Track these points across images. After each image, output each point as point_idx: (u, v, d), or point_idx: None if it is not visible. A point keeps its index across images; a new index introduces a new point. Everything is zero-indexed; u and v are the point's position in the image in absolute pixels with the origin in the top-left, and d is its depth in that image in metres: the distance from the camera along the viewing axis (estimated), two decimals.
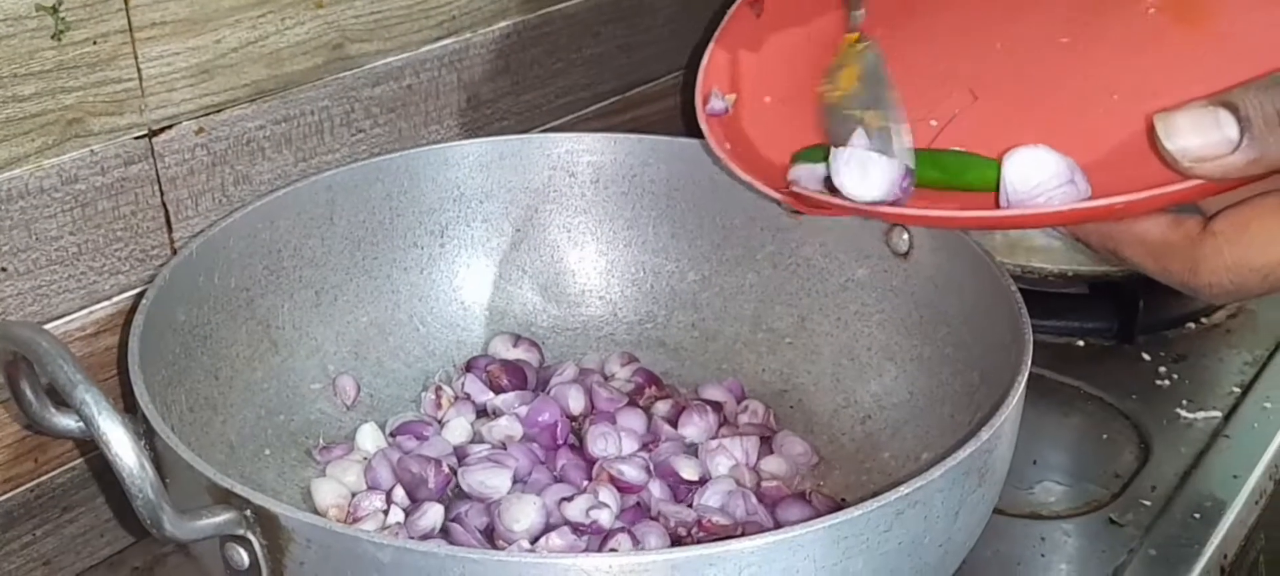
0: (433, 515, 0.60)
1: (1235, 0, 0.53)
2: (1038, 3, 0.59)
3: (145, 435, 0.50)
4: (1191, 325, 0.87)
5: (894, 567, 0.46)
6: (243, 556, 0.45)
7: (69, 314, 0.64)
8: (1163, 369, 0.82)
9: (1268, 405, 0.78)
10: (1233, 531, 0.68)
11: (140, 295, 0.66)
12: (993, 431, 0.48)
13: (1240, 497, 0.70)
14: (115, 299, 0.66)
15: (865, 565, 0.45)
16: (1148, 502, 0.70)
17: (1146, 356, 0.83)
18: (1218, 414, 0.77)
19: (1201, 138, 0.43)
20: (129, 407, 0.56)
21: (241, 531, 0.45)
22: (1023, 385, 0.52)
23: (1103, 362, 0.83)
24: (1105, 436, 0.76)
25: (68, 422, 0.48)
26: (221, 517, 0.44)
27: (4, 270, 0.61)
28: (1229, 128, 0.43)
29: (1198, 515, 0.68)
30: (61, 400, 0.45)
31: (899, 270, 0.69)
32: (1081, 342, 0.85)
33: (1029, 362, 0.53)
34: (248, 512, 0.45)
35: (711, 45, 0.66)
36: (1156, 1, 0.55)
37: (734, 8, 0.67)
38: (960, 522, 0.49)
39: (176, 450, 0.47)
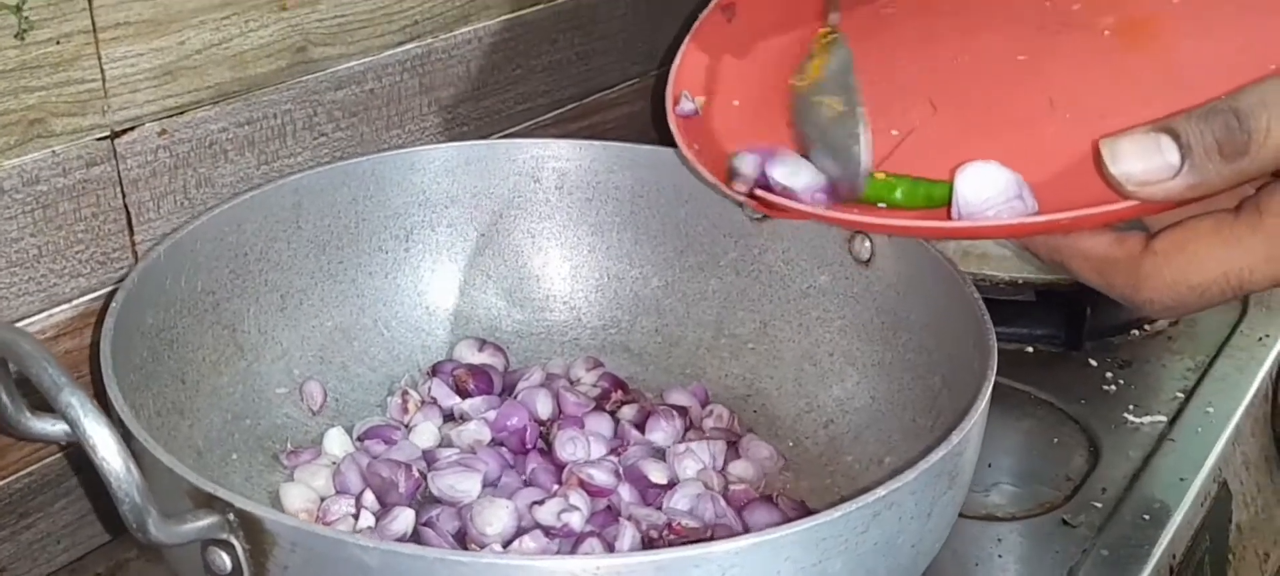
0: (404, 520, 0.60)
1: (1182, 27, 0.55)
2: (1001, 19, 0.60)
3: (119, 434, 0.49)
4: (1136, 332, 0.89)
5: (870, 568, 0.48)
6: (225, 560, 0.45)
7: (28, 316, 0.64)
8: (1109, 374, 0.84)
9: (1210, 410, 0.80)
10: (1181, 532, 0.70)
11: (101, 298, 0.66)
12: (963, 435, 0.50)
13: (1187, 499, 0.72)
14: (75, 302, 0.65)
15: (843, 566, 0.46)
16: (1099, 504, 0.72)
17: (1094, 362, 0.86)
18: (1163, 418, 0.79)
19: (1144, 163, 0.45)
20: None
21: (224, 535, 0.45)
22: (989, 389, 0.53)
23: (1052, 368, 0.85)
24: (1056, 440, 0.78)
25: (45, 426, 0.48)
26: (205, 521, 0.44)
27: None
28: (1170, 154, 0.45)
29: (1147, 516, 0.70)
30: (38, 404, 0.44)
31: (860, 277, 0.70)
32: (1031, 349, 0.87)
33: (995, 367, 0.55)
34: (231, 516, 0.45)
35: (683, 47, 0.66)
36: (1111, 23, 0.57)
37: (707, 12, 0.68)
38: (932, 523, 0.50)
39: (155, 454, 0.46)
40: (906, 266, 0.67)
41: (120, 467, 0.40)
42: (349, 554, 0.43)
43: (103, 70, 0.63)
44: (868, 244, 0.69)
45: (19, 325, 0.63)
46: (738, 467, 0.66)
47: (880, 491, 0.46)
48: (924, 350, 0.66)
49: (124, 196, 0.66)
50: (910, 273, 0.67)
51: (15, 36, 0.59)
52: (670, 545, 0.60)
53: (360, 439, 0.68)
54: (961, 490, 0.53)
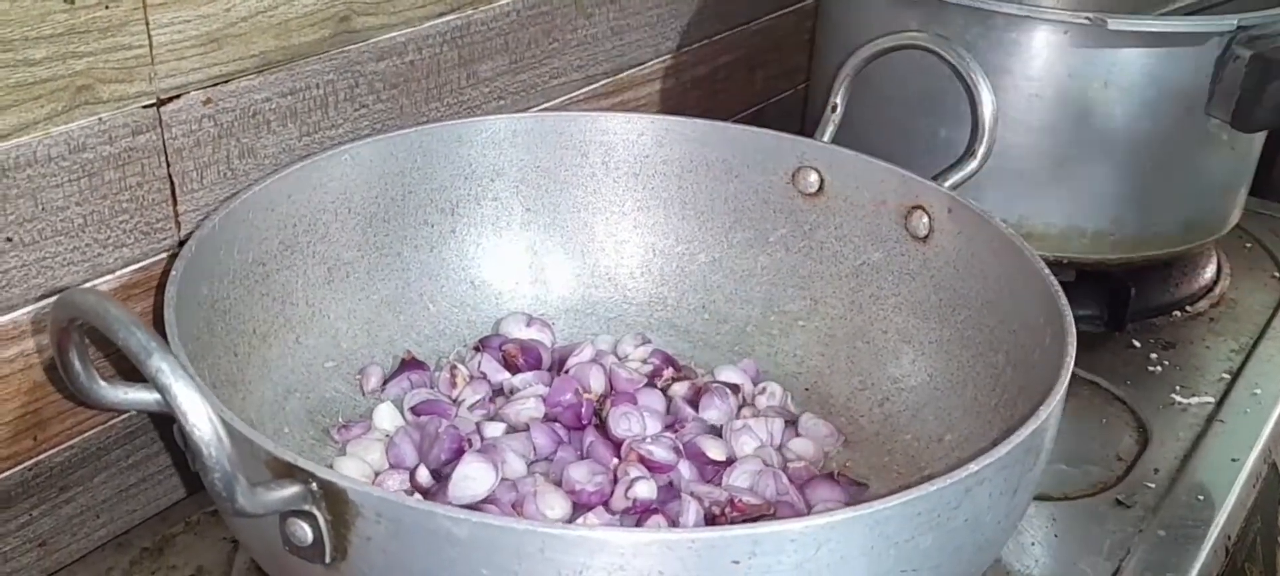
0: (481, 475, 0.59)
1: None
2: None
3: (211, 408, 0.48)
4: (1178, 313, 0.89)
5: (959, 544, 0.47)
6: (305, 532, 0.44)
7: (72, 286, 0.62)
8: (1154, 355, 0.84)
9: (1257, 392, 0.80)
10: (1234, 512, 0.70)
11: (144, 269, 0.64)
12: (1050, 410, 0.49)
13: (1239, 480, 0.72)
14: (119, 272, 0.64)
15: (934, 541, 0.45)
16: (1151, 485, 0.71)
17: (1137, 343, 0.85)
18: (1211, 399, 0.79)
19: None
20: None
21: (307, 506, 0.43)
22: (1071, 363, 0.53)
23: (1096, 349, 0.84)
24: (1104, 421, 0.78)
25: (119, 394, 0.46)
26: (288, 491, 0.43)
27: (10, 240, 0.59)
28: None
29: (1201, 497, 0.70)
30: (108, 372, 0.43)
31: (917, 254, 0.69)
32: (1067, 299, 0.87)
33: (1074, 342, 0.54)
34: (313, 486, 0.43)
35: None
36: None
37: None
38: (1017, 499, 0.49)
39: (233, 423, 0.45)
40: (967, 243, 0.66)
41: (211, 435, 0.39)
42: (437, 525, 0.42)
43: (150, 36, 0.62)
44: (927, 220, 0.68)
45: None
46: (797, 445, 0.65)
47: (973, 466, 0.45)
48: (985, 328, 0.65)
49: (168, 165, 0.65)
50: (971, 249, 0.66)
51: (65, 1, 0.58)
52: (732, 522, 0.60)
53: (412, 412, 0.67)
54: (1042, 468, 0.52)
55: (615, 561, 0.42)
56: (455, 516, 0.42)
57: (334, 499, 0.43)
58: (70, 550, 0.66)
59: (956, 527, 0.46)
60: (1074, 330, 0.55)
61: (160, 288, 0.64)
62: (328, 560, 0.44)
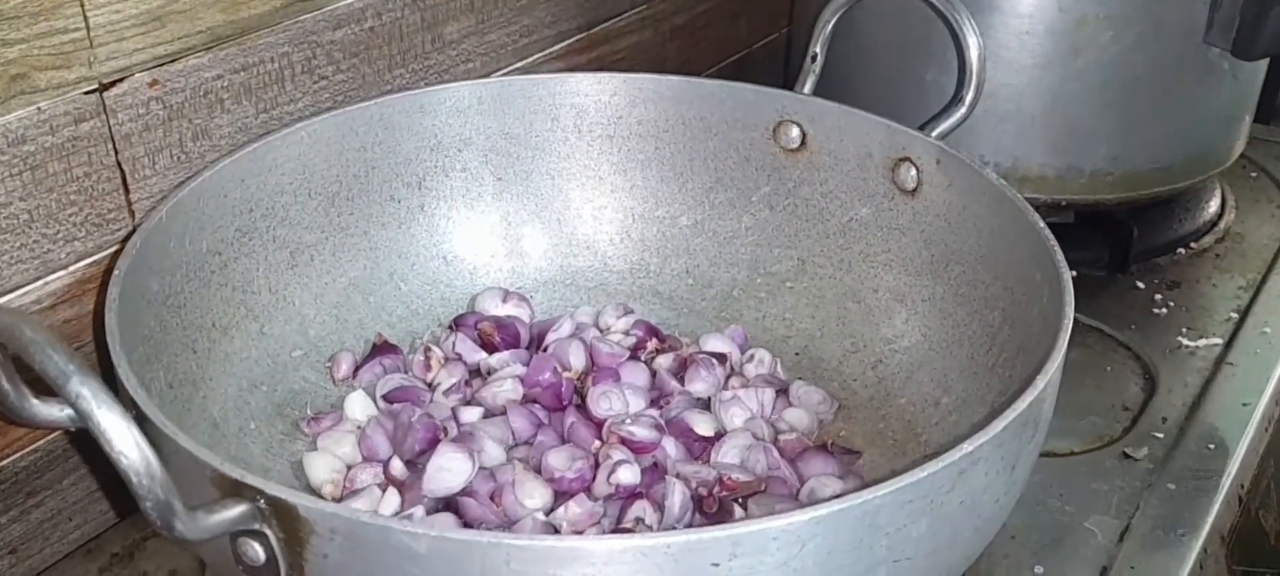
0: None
1: None
2: None
3: (134, 422, 0.45)
4: (1182, 250, 0.86)
5: (955, 526, 0.44)
6: (257, 551, 0.41)
7: (23, 286, 0.59)
8: (1158, 296, 0.81)
9: (1267, 330, 0.77)
10: (1247, 459, 0.67)
11: (98, 262, 0.62)
12: (1047, 380, 0.46)
13: (1251, 425, 0.69)
14: (72, 268, 0.61)
15: (928, 527, 0.43)
16: (1160, 435, 0.68)
17: (1141, 285, 0.82)
18: (1218, 341, 0.76)
19: None
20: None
21: (256, 525, 0.41)
22: (1069, 326, 0.50)
23: (1098, 293, 0.81)
24: (1109, 368, 0.75)
25: (52, 412, 0.43)
26: (234, 512, 0.40)
27: None
28: None
29: (1212, 445, 0.67)
30: (45, 388, 0.40)
31: (906, 208, 0.66)
32: (1074, 273, 0.83)
33: (1072, 302, 0.51)
34: (261, 503, 0.41)
35: None
36: None
37: None
38: (1016, 476, 0.47)
39: (175, 438, 0.42)
40: (957, 195, 0.63)
41: (139, 461, 0.36)
42: (396, 541, 0.39)
43: (87, 17, 0.58)
44: (914, 172, 0.65)
45: (13, 295, 0.58)
46: (790, 415, 0.63)
47: (966, 447, 0.42)
48: (979, 284, 0.62)
49: (117, 153, 0.61)
50: (962, 201, 0.63)
51: None
52: (721, 502, 0.57)
53: (384, 399, 0.64)
54: (1042, 435, 0.49)
55: (587, 572, 0.39)
56: (414, 531, 0.39)
57: (284, 516, 0.41)
58: (42, 556, 0.64)
59: (951, 511, 0.43)
60: (1071, 289, 0.52)
61: None
62: None
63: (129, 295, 0.53)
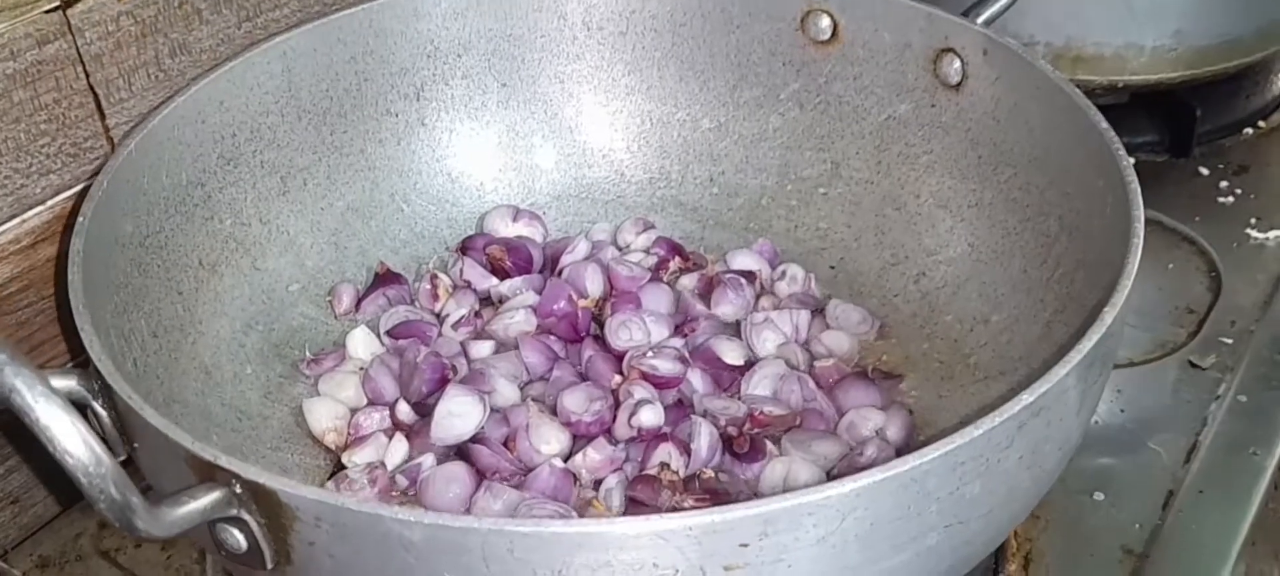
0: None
1: None
2: None
3: (101, 393, 0.41)
4: (1249, 131, 0.79)
5: (1014, 484, 0.40)
6: (239, 539, 0.37)
7: None
8: (1224, 183, 0.75)
9: None
10: None
11: (79, 195, 0.57)
12: (1116, 312, 0.41)
13: None
14: (50, 203, 0.57)
15: (983, 487, 0.38)
16: (1228, 340, 0.63)
17: (1205, 170, 0.76)
18: None
19: None
20: (77, 349, 0.47)
21: (233, 511, 0.37)
22: (1139, 245, 0.44)
23: (1158, 181, 0.75)
24: (1171, 265, 0.69)
25: None
26: (205, 500, 0.36)
27: None
28: None
29: None
30: None
31: (950, 104, 0.60)
32: (1131, 159, 0.77)
33: (1141, 214, 0.46)
34: (237, 488, 0.37)
35: None
36: None
37: None
38: (1082, 417, 0.42)
39: (143, 414, 0.38)
40: (1007, 89, 0.57)
41: (87, 458, 0.32)
42: (386, 529, 0.35)
43: None
44: (958, 64, 0.59)
45: None
46: (828, 338, 0.58)
47: (1026, 397, 0.37)
48: (1033, 188, 0.56)
49: (88, 76, 0.57)
50: (1012, 97, 0.57)
51: None
52: (753, 440, 0.52)
53: (389, 336, 0.60)
54: (1110, 368, 0.44)
55: (599, 558, 0.35)
56: (406, 519, 0.35)
57: (264, 501, 0.37)
58: (45, 506, 0.60)
59: (1010, 468, 0.39)
60: (1140, 199, 0.47)
61: None
62: (269, 566, 0.38)
63: (97, 242, 0.49)
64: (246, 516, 0.37)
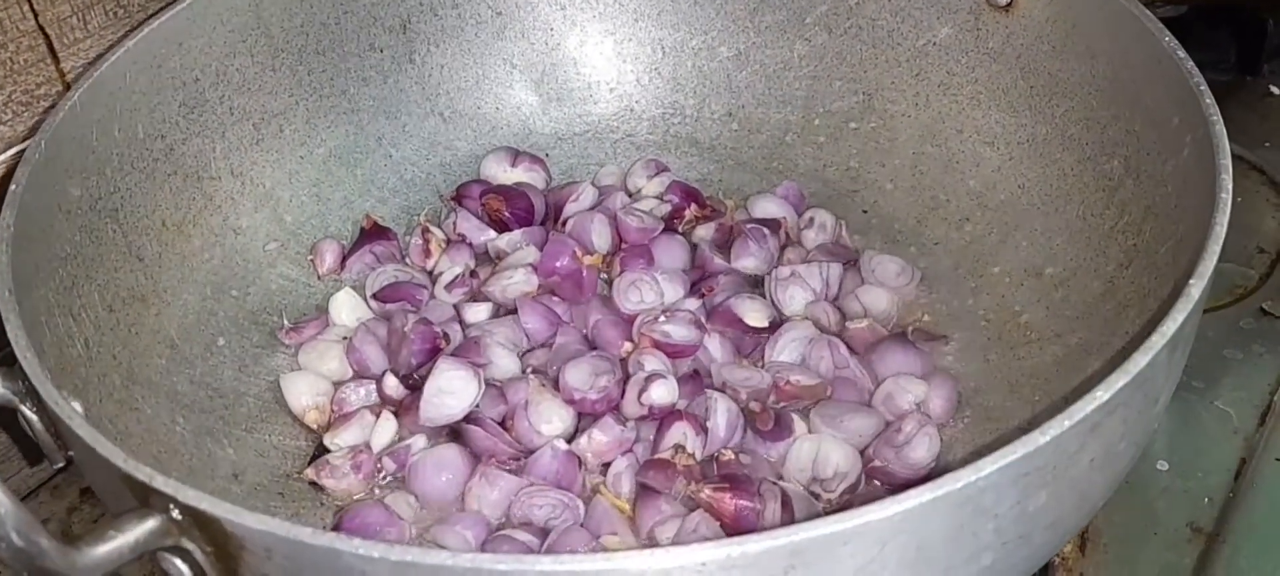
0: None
1: None
2: None
3: (27, 395, 0.36)
4: None
5: (1083, 490, 0.34)
6: (182, 569, 0.32)
7: None
8: None
9: None
10: None
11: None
12: (1203, 285, 0.35)
13: None
14: (2, 156, 0.52)
15: (1049, 497, 0.33)
16: None
17: (1276, 90, 0.69)
18: None
19: None
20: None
21: (171, 541, 0.32)
22: (1228, 198, 0.38)
23: (1222, 102, 0.67)
24: (1239, 198, 0.62)
25: None
26: (136, 533, 0.31)
27: None
28: None
29: None
30: None
31: (999, 27, 0.54)
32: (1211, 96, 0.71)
33: (1229, 161, 0.39)
34: (176, 514, 0.32)
35: None
36: None
37: None
38: (1158, 408, 0.36)
39: (76, 430, 0.33)
40: (1064, 8, 0.51)
41: None
42: (345, 565, 0.30)
43: None
44: None
45: None
46: (864, 295, 0.52)
47: (1100, 394, 0.32)
48: (1093, 123, 0.50)
49: (35, 14, 0.52)
50: (1070, 17, 0.51)
51: None
52: (778, 415, 0.47)
53: (375, 299, 0.54)
54: (1190, 348, 0.38)
55: None
56: (368, 554, 0.30)
57: (208, 529, 0.32)
58: (12, 485, 0.56)
59: (1080, 473, 0.33)
60: (1226, 142, 0.40)
61: None
62: None
63: (35, 212, 0.43)
64: (189, 546, 0.32)
